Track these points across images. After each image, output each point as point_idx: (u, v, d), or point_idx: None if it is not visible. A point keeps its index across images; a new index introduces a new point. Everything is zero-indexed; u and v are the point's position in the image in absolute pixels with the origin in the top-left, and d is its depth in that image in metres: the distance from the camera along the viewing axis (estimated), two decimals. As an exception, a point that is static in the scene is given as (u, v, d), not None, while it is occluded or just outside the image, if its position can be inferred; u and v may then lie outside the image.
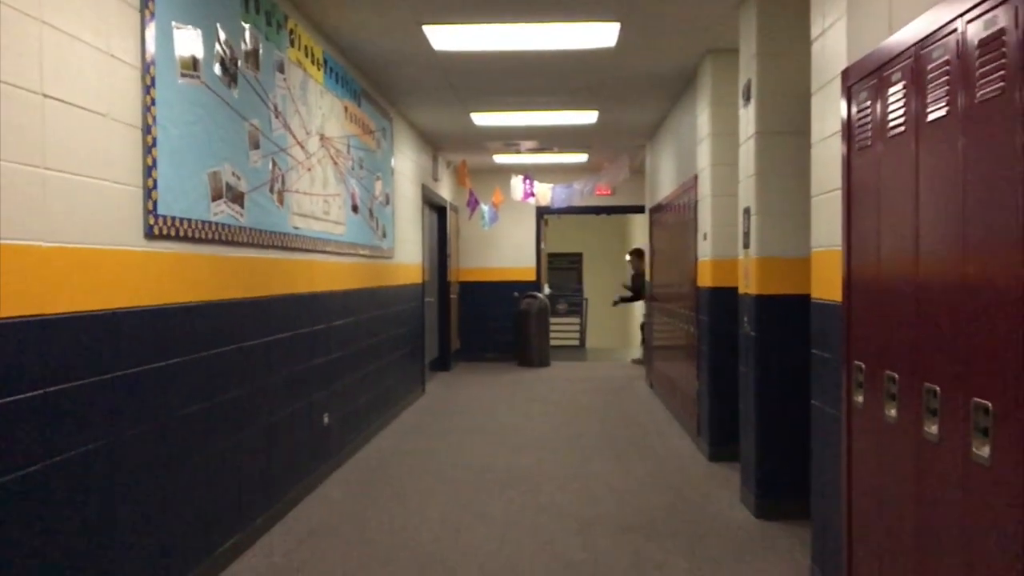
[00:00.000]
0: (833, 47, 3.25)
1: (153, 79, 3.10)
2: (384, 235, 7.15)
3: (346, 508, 4.72)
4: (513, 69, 6.19)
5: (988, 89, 2.01)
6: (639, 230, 14.23)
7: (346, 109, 5.87)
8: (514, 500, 4.86)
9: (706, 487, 5.15)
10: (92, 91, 2.73)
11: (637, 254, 11.65)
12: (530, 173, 10.91)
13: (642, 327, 11.36)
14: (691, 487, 5.15)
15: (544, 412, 7.99)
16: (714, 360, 5.74)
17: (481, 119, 8.20)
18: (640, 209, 11.34)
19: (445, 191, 11.02)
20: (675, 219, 7.65)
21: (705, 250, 5.92)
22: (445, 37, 5.33)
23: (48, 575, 2.47)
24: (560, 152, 10.53)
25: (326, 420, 5.35)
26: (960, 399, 2.16)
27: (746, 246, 4.69)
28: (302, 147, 4.85)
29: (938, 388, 2.30)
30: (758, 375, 4.50)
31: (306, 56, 4.96)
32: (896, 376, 2.60)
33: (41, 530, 2.44)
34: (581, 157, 10.95)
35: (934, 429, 2.33)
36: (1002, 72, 1.95)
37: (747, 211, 4.66)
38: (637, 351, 12.33)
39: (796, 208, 4.20)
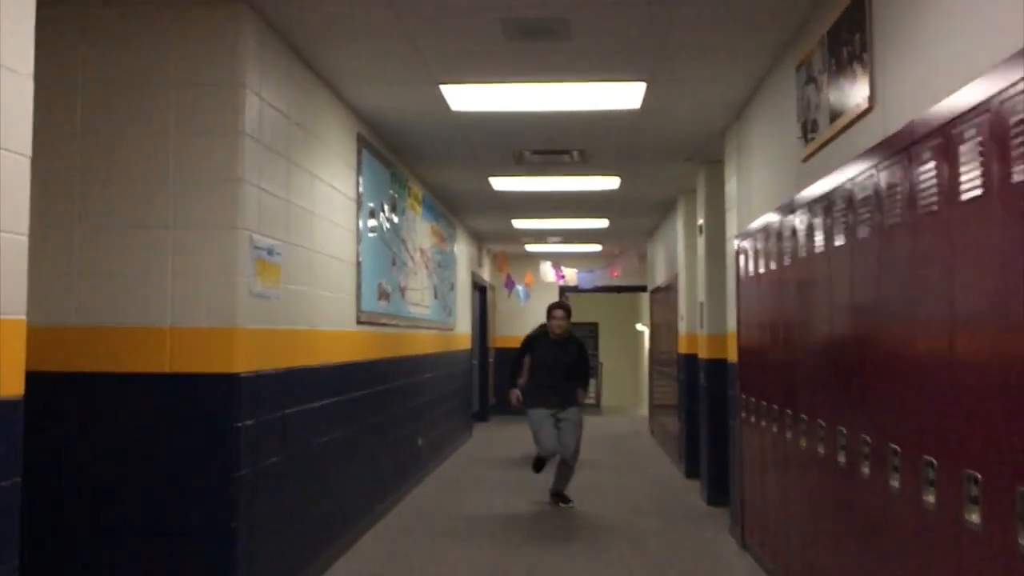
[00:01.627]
0: (731, 222, 5.81)
1: (360, 237, 5.70)
2: (450, 313, 9.71)
3: (440, 499, 7.15)
4: (550, 200, 8.83)
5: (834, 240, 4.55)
6: (646, 304, 16.74)
7: (432, 228, 8.50)
8: (547, 498, 7.27)
9: (679, 491, 7.55)
10: (340, 248, 5.30)
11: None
12: (555, 260, 13.53)
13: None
14: (669, 491, 7.56)
15: (567, 449, 10.38)
16: (688, 407, 8.15)
17: (520, 223, 10.84)
18: (644, 288, 13.88)
19: (486, 274, 13.65)
20: (665, 300, 10.18)
21: (682, 327, 8.41)
22: (506, 183, 7.98)
23: (321, 486, 4.93)
24: (578, 243, 13.16)
25: (420, 442, 7.82)
26: (820, 425, 4.35)
27: (701, 326, 7.20)
28: (412, 259, 7.46)
29: (803, 416, 4.70)
30: (708, 412, 6.94)
31: (415, 199, 7.60)
32: (756, 400, 5.06)
33: (325, 473, 4.91)
34: (596, 247, 13.58)
35: (791, 437, 4.73)
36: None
37: (702, 304, 7.18)
38: (644, 409, 14.62)
39: (727, 304, 6.69)
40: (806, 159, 4.00)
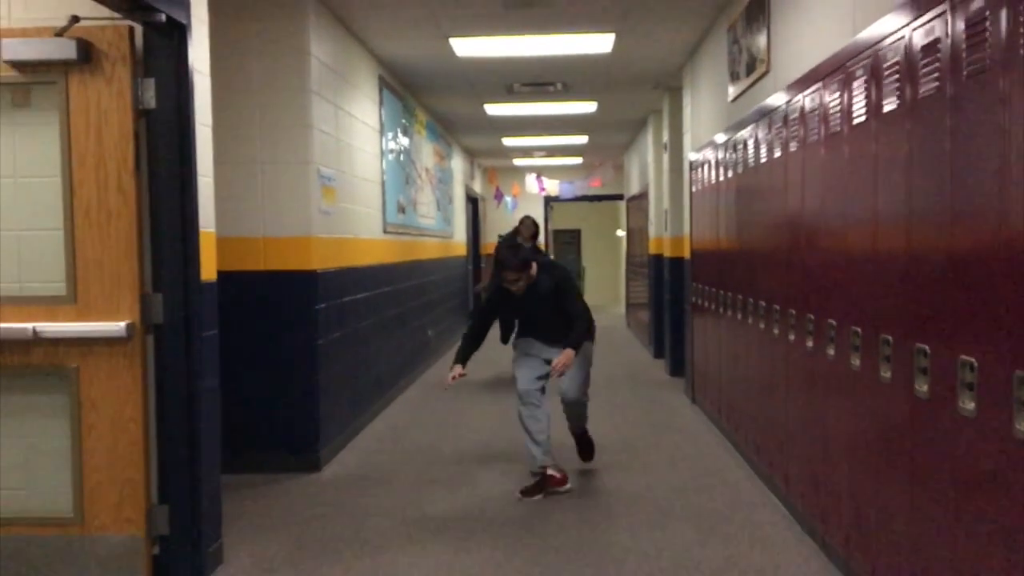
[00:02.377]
0: (687, 142, 7.08)
1: (383, 160, 6.93)
2: (449, 223, 11.00)
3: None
4: (536, 122, 10.01)
5: (728, 174, 5.87)
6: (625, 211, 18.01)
7: (434, 149, 9.70)
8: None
9: (648, 367, 9.05)
10: (369, 171, 6.54)
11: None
12: (540, 172, 14.74)
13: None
14: (640, 367, 9.05)
15: (553, 340, 11.87)
16: (656, 300, 9.57)
17: (509, 141, 12.01)
18: (620, 197, 15.16)
19: (478, 187, 14.85)
20: (638, 207, 11.49)
21: (651, 231, 9.76)
22: (498, 109, 9.15)
23: (365, 359, 6.32)
24: (562, 157, 14.35)
25: (430, 333, 9.23)
26: (739, 298, 5.87)
27: (666, 230, 8.54)
28: (420, 177, 8.69)
29: (730, 293, 6.09)
30: (670, 301, 8.36)
31: (420, 125, 8.78)
32: (705, 287, 6.43)
33: (367, 349, 6.29)
34: (578, 160, 14.77)
35: (723, 311, 6.16)
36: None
37: (666, 211, 8.50)
38: (623, 307, 16.12)
39: (684, 210, 8.01)
40: (732, 101, 5.26)
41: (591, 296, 20.25)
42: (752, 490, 4.50)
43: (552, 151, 13.44)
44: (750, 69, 4.75)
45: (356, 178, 6.07)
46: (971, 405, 2.25)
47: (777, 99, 4.13)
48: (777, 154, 4.12)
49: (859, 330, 3.04)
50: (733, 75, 5.21)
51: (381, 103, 6.90)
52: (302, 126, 4.90)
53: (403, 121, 7.84)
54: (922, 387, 2.54)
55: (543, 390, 4.63)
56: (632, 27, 5.91)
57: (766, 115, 4.30)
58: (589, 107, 9.16)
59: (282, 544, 3.84)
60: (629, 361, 9.66)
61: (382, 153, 6.93)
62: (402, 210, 7.65)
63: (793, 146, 3.83)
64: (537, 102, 8.84)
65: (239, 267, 4.87)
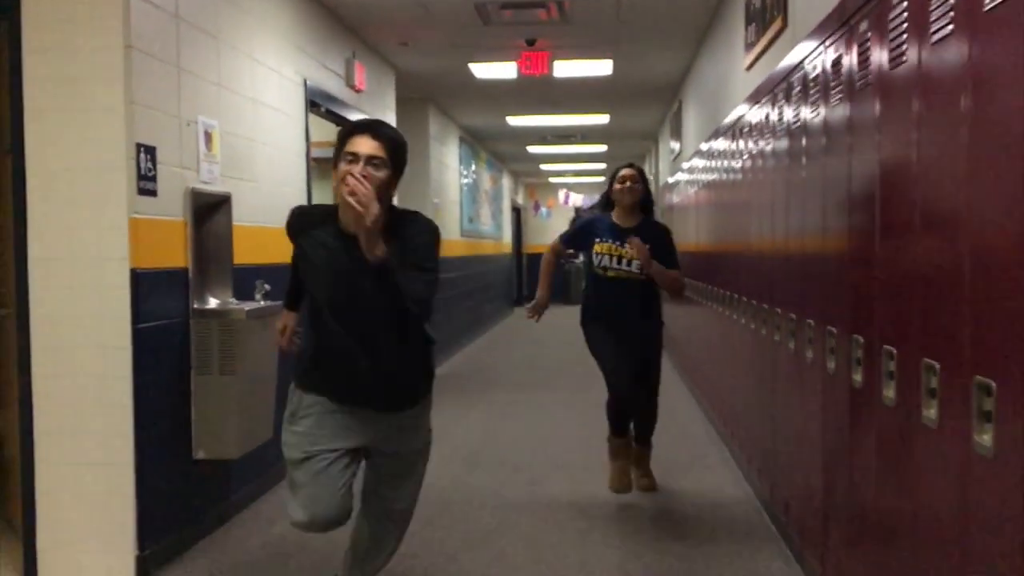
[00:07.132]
0: (661, 180, 10.69)
1: (461, 187, 10.64)
2: (499, 228, 14.71)
3: (500, 338, 12.30)
4: (566, 155, 13.67)
5: (722, 176, 9.48)
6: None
7: (490, 177, 13.42)
8: (567, 351, 12.39)
9: (642, 334, 12.68)
10: (454, 196, 10.23)
11: None
12: (569, 188, 18.42)
13: None
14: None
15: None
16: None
17: (545, 166, 15.71)
18: (636, 209, 18.74)
19: (520, 199, 18.58)
20: (644, 219, 15.10)
21: (648, 236, 13.35)
22: (537, 149, 12.84)
23: (448, 316, 10.00)
24: (587, 176, 18.02)
25: (487, 310, 12.93)
26: (735, 295, 9.33)
27: (654, 236, 12.14)
28: (481, 197, 12.41)
29: (728, 291, 9.56)
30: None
31: (482, 161, 12.50)
32: (706, 286, 9.98)
33: (449, 310, 9.98)
34: (601, 179, 18.42)
35: (722, 309, 9.68)
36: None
37: (662, 214, 12.11)
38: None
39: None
40: (673, 159, 8.86)
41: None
42: (687, 406, 8.09)
43: (579, 173, 17.11)
44: (677, 154, 8.35)
45: (448, 201, 9.79)
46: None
47: (684, 171, 7.70)
48: (693, 190, 7.70)
49: (746, 298, 6.60)
50: (676, 140, 8.81)
51: (460, 152, 10.62)
52: (424, 176, 8.63)
53: (472, 162, 11.56)
54: (733, 316, 6.11)
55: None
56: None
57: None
58: (601, 148, 12.80)
59: (423, 395, 7.56)
60: (630, 331, 13.28)
61: (460, 181, 10.65)
62: (470, 220, 11.36)
63: (701, 184, 7.41)
64: (565, 145, 12.50)
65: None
